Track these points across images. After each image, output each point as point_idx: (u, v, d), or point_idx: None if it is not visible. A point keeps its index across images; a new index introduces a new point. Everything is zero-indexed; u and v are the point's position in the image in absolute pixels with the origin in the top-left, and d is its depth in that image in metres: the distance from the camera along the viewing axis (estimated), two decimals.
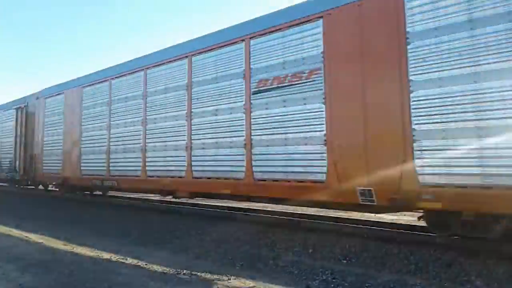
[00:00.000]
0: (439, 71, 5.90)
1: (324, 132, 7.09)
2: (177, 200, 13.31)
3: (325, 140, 7.06)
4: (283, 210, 10.66)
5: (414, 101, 6.05)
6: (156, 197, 14.86)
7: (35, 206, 14.34)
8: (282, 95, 7.75)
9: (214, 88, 9.04)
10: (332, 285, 5.13)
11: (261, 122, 8.06)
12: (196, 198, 12.67)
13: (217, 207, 12.07)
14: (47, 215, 11.93)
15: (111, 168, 12.05)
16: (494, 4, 5.50)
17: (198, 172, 9.24)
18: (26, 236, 8.53)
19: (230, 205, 11.97)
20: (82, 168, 13.32)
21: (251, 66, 8.35)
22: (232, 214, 10.60)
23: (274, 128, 7.83)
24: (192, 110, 9.48)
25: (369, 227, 8.05)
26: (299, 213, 10.10)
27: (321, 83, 7.22)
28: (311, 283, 5.25)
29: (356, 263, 6.10)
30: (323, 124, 7.14)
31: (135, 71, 11.45)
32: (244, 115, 8.35)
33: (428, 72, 5.99)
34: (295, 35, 7.72)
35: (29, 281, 5.40)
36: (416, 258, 6.01)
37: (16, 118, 18.17)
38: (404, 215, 10.58)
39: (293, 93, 7.58)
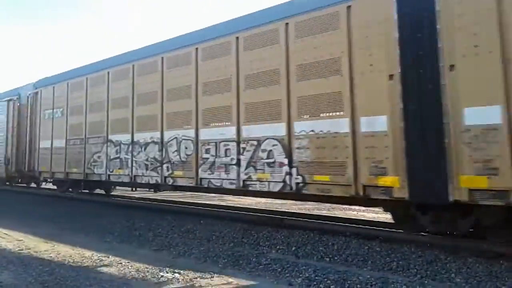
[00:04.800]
0: None
1: None
2: (160, 197, 13.26)
3: None
4: (267, 208, 10.68)
5: None
6: (139, 195, 14.77)
7: (15, 203, 14.11)
8: None
9: None
10: (315, 283, 5.15)
11: None
12: (182, 196, 12.68)
13: (201, 205, 12.03)
14: (27, 212, 11.75)
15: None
16: None
17: None
18: (6, 234, 8.40)
19: (213, 202, 11.95)
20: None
21: None
22: (216, 212, 10.57)
23: None
24: None
25: (351, 225, 8.10)
26: (283, 211, 10.13)
27: None
28: (294, 281, 5.27)
29: (339, 260, 6.14)
30: None
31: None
32: None
33: None
34: None
35: (9, 279, 5.32)
36: (397, 255, 6.08)
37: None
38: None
39: None
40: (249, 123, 8.44)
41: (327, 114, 7.26)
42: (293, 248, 6.79)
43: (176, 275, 5.48)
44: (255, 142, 8.27)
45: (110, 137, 11.80)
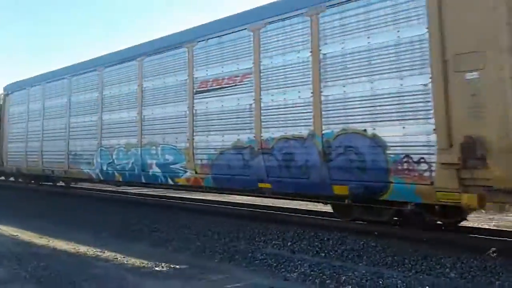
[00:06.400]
0: None
1: None
2: (155, 193, 13.24)
3: None
4: (263, 204, 10.69)
5: None
6: (135, 190, 14.74)
7: (10, 198, 14.07)
8: None
9: None
10: (310, 278, 5.16)
11: None
12: (177, 191, 12.66)
13: (196, 200, 12.03)
14: (22, 207, 11.71)
15: None
16: None
17: None
18: (0, 229, 8.37)
19: (209, 198, 11.95)
20: None
21: None
22: (212, 207, 10.58)
23: None
24: None
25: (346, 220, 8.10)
26: (278, 206, 10.14)
27: None
28: (289, 276, 5.28)
29: (334, 255, 6.15)
30: None
31: None
32: None
33: None
34: None
35: (3, 274, 5.31)
36: (392, 250, 6.09)
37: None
38: None
39: None
40: None
41: None
42: (289, 243, 6.80)
43: (172, 270, 5.48)
44: None
45: None
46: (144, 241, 7.43)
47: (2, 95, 16.55)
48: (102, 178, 11.62)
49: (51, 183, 15.93)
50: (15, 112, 15.63)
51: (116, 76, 11.23)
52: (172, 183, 9.69)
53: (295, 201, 10.79)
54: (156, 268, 5.56)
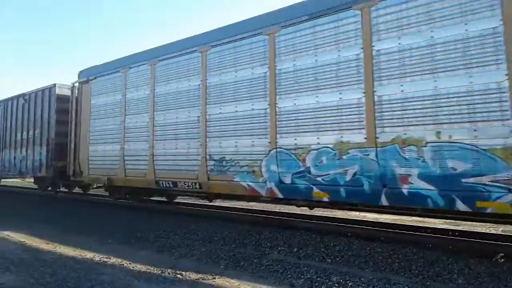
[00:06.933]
0: None
1: None
2: (160, 199, 13.26)
3: None
4: (268, 209, 10.68)
5: None
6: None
7: (16, 204, 14.12)
8: None
9: None
10: (316, 284, 5.15)
11: None
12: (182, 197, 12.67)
13: (203, 206, 12.02)
14: (28, 213, 11.76)
15: None
16: None
17: None
18: (8, 235, 8.40)
19: (214, 203, 11.94)
20: None
21: None
22: (217, 213, 10.57)
23: None
24: None
25: (352, 226, 8.09)
26: (284, 212, 10.13)
27: None
28: (296, 282, 5.27)
29: (340, 261, 6.13)
30: None
31: None
32: None
33: None
34: None
35: (10, 280, 5.32)
36: (399, 256, 6.07)
37: None
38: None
39: None
40: None
41: None
42: (295, 249, 6.79)
43: (178, 276, 5.48)
44: None
45: None
46: (150, 247, 7.44)
47: (77, 84, 13.08)
48: (280, 196, 7.78)
49: (161, 199, 12.87)
50: (99, 104, 12.09)
51: (308, 39, 7.49)
52: (469, 210, 5.63)
53: (299, 207, 10.83)
54: (163, 275, 5.56)
